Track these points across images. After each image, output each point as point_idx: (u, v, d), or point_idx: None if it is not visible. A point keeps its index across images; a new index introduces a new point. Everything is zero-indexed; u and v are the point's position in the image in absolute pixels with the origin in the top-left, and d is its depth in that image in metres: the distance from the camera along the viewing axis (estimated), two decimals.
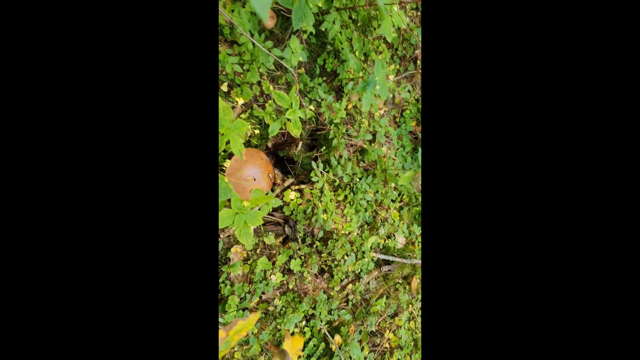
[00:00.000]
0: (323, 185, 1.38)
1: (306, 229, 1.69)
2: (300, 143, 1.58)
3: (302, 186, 1.63)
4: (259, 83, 1.50)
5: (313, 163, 1.39)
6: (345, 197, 1.57)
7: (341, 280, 1.90)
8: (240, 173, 1.50)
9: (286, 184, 1.63)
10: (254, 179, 1.52)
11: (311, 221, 1.65)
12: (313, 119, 1.57)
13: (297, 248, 1.62)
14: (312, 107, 1.30)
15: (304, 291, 1.79)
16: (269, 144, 1.62)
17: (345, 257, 1.78)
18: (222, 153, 1.43)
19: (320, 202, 1.50)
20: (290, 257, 1.63)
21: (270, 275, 1.56)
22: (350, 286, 1.95)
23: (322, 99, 1.59)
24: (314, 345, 1.76)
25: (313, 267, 1.74)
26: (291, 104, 1.27)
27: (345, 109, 1.57)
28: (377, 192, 1.78)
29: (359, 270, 1.92)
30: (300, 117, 1.44)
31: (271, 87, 1.47)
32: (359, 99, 1.60)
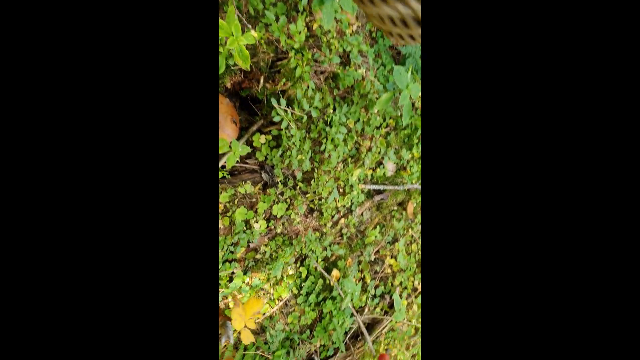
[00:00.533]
0: (288, 124, 1.23)
1: (285, 171, 1.59)
2: (262, 78, 1.40)
3: (272, 127, 1.48)
4: None
5: (273, 100, 1.23)
6: (320, 133, 1.43)
7: (332, 217, 1.85)
8: None
9: (254, 127, 1.49)
10: (233, 121, 1.38)
11: (288, 163, 1.54)
12: (269, 46, 1.37)
13: (279, 193, 1.53)
14: (255, 32, 1.11)
15: (295, 232, 1.76)
16: (227, 84, 1.44)
17: (334, 191, 1.70)
18: None
19: (292, 143, 1.37)
20: (273, 202, 1.56)
21: (254, 223, 1.51)
22: (342, 220, 1.90)
23: (272, 22, 1.36)
24: (312, 283, 1.77)
25: (300, 207, 1.67)
26: (232, 31, 1.07)
27: (309, 31, 1.35)
28: (357, 121, 1.63)
29: (349, 203, 1.86)
30: (249, 46, 1.25)
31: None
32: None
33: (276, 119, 1.22)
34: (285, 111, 1.23)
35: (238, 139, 1.47)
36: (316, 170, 1.59)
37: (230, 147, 1.30)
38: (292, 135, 1.31)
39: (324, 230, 1.87)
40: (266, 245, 1.58)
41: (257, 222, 1.50)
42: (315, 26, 1.47)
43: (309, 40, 1.38)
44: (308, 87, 1.36)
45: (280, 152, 1.50)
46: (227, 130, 1.40)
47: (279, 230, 1.63)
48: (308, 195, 1.71)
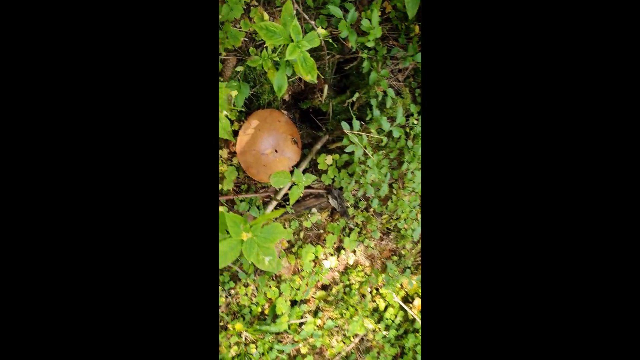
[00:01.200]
0: (364, 152, 0.96)
1: (356, 192, 1.33)
2: (326, 86, 1.12)
3: (340, 143, 1.22)
4: (246, 14, 1.03)
5: (344, 124, 0.96)
6: (401, 151, 1.13)
7: (412, 237, 1.56)
8: (255, 148, 1.14)
9: (318, 145, 1.23)
10: (275, 151, 1.15)
11: (351, 186, 1.27)
12: (334, 46, 1.08)
13: (349, 221, 1.28)
14: (322, 29, 0.83)
15: (370, 258, 1.51)
16: (286, 96, 1.19)
17: (415, 209, 1.41)
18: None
19: (367, 166, 1.09)
20: (343, 232, 1.31)
21: (323, 260, 1.28)
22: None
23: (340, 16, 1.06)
24: (392, 315, 1.52)
25: (374, 233, 1.41)
26: (289, 35, 0.81)
27: (381, 22, 1.04)
28: None
29: None
30: (310, 51, 0.97)
31: (265, 14, 1.00)
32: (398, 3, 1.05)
33: (349, 148, 0.95)
34: (359, 135, 0.95)
35: (300, 160, 1.23)
36: (395, 192, 1.30)
37: (292, 177, 1.07)
38: (365, 161, 1.03)
39: (402, 253, 1.59)
40: (337, 283, 1.36)
41: (327, 259, 1.27)
42: (388, 9, 1.15)
43: (382, 29, 1.06)
44: (385, 94, 1.06)
45: (350, 172, 1.23)
46: (287, 153, 1.17)
47: (351, 262, 1.40)
48: (383, 217, 1.44)
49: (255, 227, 0.72)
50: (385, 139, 0.98)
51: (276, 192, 1.26)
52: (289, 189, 1.25)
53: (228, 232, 0.69)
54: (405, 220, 1.46)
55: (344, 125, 0.94)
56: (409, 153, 1.11)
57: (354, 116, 0.96)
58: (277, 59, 0.98)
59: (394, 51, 1.08)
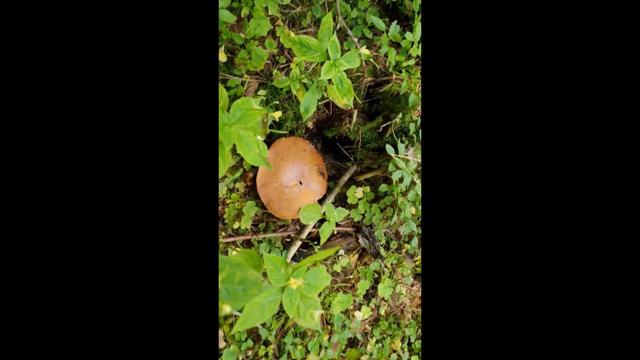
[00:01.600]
0: (411, 177, 0.82)
1: (388, 231, 1.18)
2: (355, 112, 1.02)
3: (370, 174, 1.09)
4: (272, 33, 0.94)
5: (388, 147, 0.83)
6: None
7: None
8: (278, 179, 1.00)
9: (346, 176, 1.10)
10: (300, 183, 1.01)
11: (392, 221, 1.13)
12: (369, 67, 0.98)
13: (382, 265, 1.11)
14: (365, 49, 0.73)
15: (400, 308, 1.32)
16: (309, 124, 1.08)
17: None
18: (238, 170, 0.94)
19: (405, 196, 0.95)
20: (376, 278, 1.14)
21: (354, 311, 1.10)
22: None
23: (375, 34, 0.98)
24: None
25: (407, 278, 1.24)
26: (326, 51, 0.71)
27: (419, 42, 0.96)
28: None
29: None
30: (348, 72, 0.87)
31: (291, 34, 0.91)
32: None
33: (396, 175, 0.82)
34: (404, 159, 0.82)
35: (326, 194, 1.09)
36: None
37: (323, 214, 0.92)
38: (412, 187, 0.89)
39: None
40: (370, 336, 1.16)
41: (360, 310, 1.09)
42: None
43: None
44: (421, 116, 0.95)
45: (382, 207, 1.09)
46: (313, 185, 1.03)
47: (382, 312, 1.21)
48: (416, 258, 1.28)
49: (298, 271, 0.56)
50: None
51: (299, 230, 1.10)
52: (315, 226, 1.10)
53: (264, 277, 0.53)
54: None
55: (389, 148, 0.82)
56: None
57: (397, 140, 0.84)
58: (306, 80, 0.87)
59: None
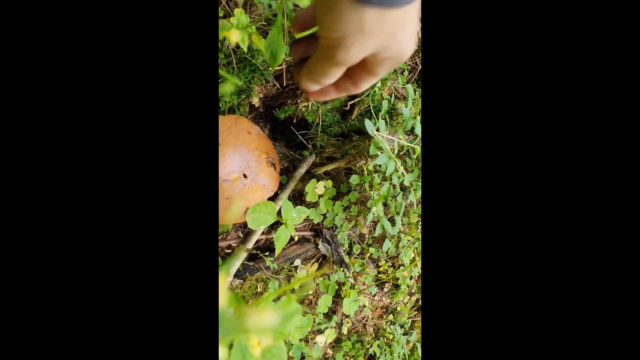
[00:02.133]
0: (395, 166, 0.64)
1: (351, 233, 0.99)
2: None
3: (332, 166, 0.89)
4: None
5: (367, 123, 0.63)
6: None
7: (409, 287, 1.25)
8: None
9: (303, 168, 0.89)
10: (244, 176, 0.77)
11: (368, 221, 0.94)
12: None
13: (348, 276, 0.92)
14: None
15: (362, 322, 1.14)
16: (254, 100, 0.84)
17: (416, 256, 1.11)
18: None
19: (377, 190, 0.77)
20: (338, 291, 0.94)
21: (313, 334, 0.88)
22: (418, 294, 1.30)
23: None
24: None
25: (371, 288, 1.06)
26: None
27: None
28: None
29: None
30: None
31: None
32: None
33: (380, 159, 0.62)
34: (390, 141, 0.63)
35: (278, 191, 0.86)
36: (401, 227, 0.99)
37: (278, 215, 0.70)
38: (394, 172, 0.71)
39: (398, 309, 1.26)
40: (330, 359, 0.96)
41: (322, 333, 0.88)
42: None
43: None
44: (403, 97, 0.77)
45: (345, 205, 0.90)
46: (262, 180, 0.79)
47: (345, 330, 1.01)
48: (381, 264, 1.11)
49: (260, 312, 0.33)
50: (418, 149, 0.67)
51: (244, 237, 0.86)
52: (264, 231, 0.86)
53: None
54: (405, 267, 1.14)
55: (368, 124, 0.62)
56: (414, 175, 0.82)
57: (376, 119, 0.64)
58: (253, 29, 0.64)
59: None
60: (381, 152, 0.61)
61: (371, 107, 0.84)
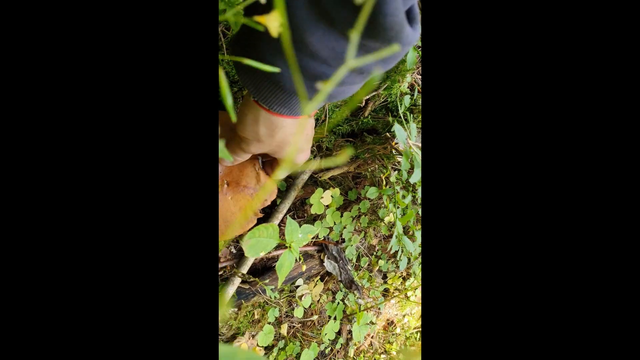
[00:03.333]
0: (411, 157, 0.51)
1: (359, 246, 0.87)
2: None
3: (339, 171, 0.76)
4: None
5: (397, 127, 0.50)
6: None
7: (418, 297, 1.15)
8: None
9: (305, 174, 0.75)
10: (227, 184, 0.64)
11: (369, 232, 0.82)
12: None
13: (358, 299, 0.80)
14: None
15: (368, 339, 1.03)
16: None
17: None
18: None
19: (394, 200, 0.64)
20: (346, 313, 0.83)
21: None
22: None
23: None
24: None
25: (380, 304, 0.95)
26: None
27: None
28: None
29: None
30: None
31: None
32: None
33: (414, 178, 0.49)
34: (413, 149, 0.50)
35: (275, 200, 0.73)
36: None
37: (281, 238, 0.57)
38: (408, 192, 0.58)
39: (407, 319, 1.16)
40: None
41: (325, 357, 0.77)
42: None
43: None
44: (414, 86, 0.65)
45: (353, 216, 0.77)
46: (251, 188, 0.66)
47: (351, 353, 0.90)
48: (390, 276, 1.00)
49: None
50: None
51: (233, 257, 0.73)
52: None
53: None
54: (415, 275, 1.04)
55: (399, 131, 0.49)
56: None
57: (403, 121, 0.52)
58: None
59: None
60: (414, 168, 0.48)
61: (389, 102, 0.71)
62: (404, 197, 0.59)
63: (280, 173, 0.53)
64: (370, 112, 0.73)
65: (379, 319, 1.07)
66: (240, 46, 0.34)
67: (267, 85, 0.34)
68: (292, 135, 0.41)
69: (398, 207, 0.60)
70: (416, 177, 0.46)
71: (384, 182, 0.61)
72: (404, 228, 0.83)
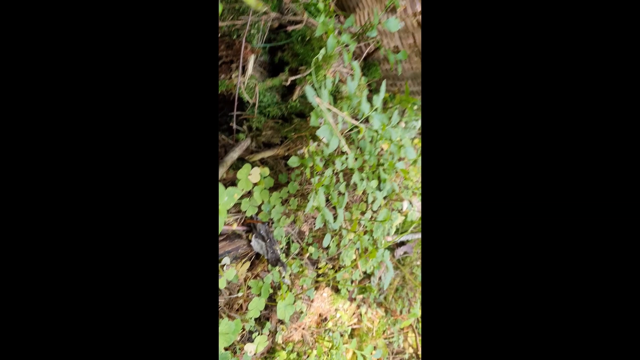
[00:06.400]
0: (339, 145, 0.57)
1: (289, 230, 0.90)
2: (252, 59, 0.72)
3: (269, 153, 0.80)
4: None
5: (307, 90, 0.56)
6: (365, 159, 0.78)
7: (350, 291, 1.18)
8: None
9: (235, 152, 0.78)
10: None
11: (298, 216, 0.85)
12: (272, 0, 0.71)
13: (284, 276, 0.82)
14: None
15: (300, 330, 1.04)
16: None
17: (357, 257, 1.05)
18: None
19: (321, 174, 0.69)
20: (272, 293, 0.84)
21: (242, 343, 0.77)
22: (359, 296, 1.25)
23: None
24: None
25: (309, 291, 0.98)
26: None
27: None
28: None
29: (372, 268, 1.21)
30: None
31: None
32: None
33: (321, 132, 0.55)
34: (334, 114, 0.56)
35: None
36: (344, 224, 0.92)
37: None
38: (328, 166, 0.64)
39: (339, 314, 1.18)
40: None
41: (252, 341, 0.76)
42: None
43: None
44: (340, 80, 0.72)
45: (283, 197, 0.81)
46: None
47: (280, 339, 0.90)
48: (321, 265, 1.03)
49: None
50: (363, 128, 0.61)
51: None
52: None
53: None
54: (345, 267, 1.08)
55: (308, 92, 0.54)
56: (373, 162, 0.76)
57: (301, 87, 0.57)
58: None
59: (349, 21, 0.76)
60: (323, 123, 0.53)
61: (314, 85, 0.77)
62: (325, 166, 0.64)
63: None
64: (298, 97, 0.79)
65: (310, 312, 1.08)
66: None
67: None
68: None
69: (318, 175, 0.64)
70: (323, 132, 0.51)
71: (306, 155, 0.65)
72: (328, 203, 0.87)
